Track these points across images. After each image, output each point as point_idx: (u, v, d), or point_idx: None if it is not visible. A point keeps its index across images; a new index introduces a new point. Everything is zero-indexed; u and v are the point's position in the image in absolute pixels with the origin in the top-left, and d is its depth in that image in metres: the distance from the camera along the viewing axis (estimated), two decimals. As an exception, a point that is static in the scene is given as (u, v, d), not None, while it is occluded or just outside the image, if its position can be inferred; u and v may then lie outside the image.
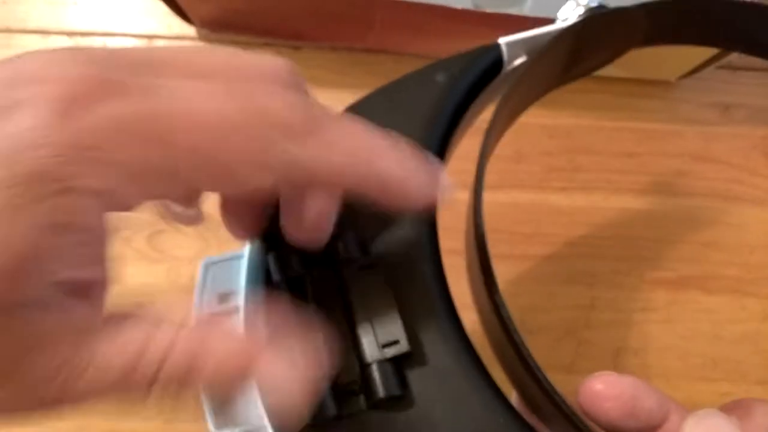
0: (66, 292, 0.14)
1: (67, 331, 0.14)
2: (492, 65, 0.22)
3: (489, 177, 0.38)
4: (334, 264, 0.19)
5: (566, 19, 0.23)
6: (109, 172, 0.13)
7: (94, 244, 0.14)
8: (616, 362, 0.35)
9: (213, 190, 0.16)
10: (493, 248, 0.38)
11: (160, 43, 0.39)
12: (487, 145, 0.20)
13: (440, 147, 0.21)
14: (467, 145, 0.38)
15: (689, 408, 0.22)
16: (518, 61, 0.23)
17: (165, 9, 0.37)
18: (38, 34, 0.39)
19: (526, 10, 0.36)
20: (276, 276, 0.18)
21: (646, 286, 0.36)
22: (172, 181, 0.14)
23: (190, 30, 0.39)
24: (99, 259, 0.15)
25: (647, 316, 0.36)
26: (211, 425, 0.18)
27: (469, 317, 0.20)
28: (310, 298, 0.18)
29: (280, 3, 0.35)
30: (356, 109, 0.22)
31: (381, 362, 0.17)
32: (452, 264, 0.20)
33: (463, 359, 0.18)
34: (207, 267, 0.20)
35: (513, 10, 0.33)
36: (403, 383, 0.17)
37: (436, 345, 0.18)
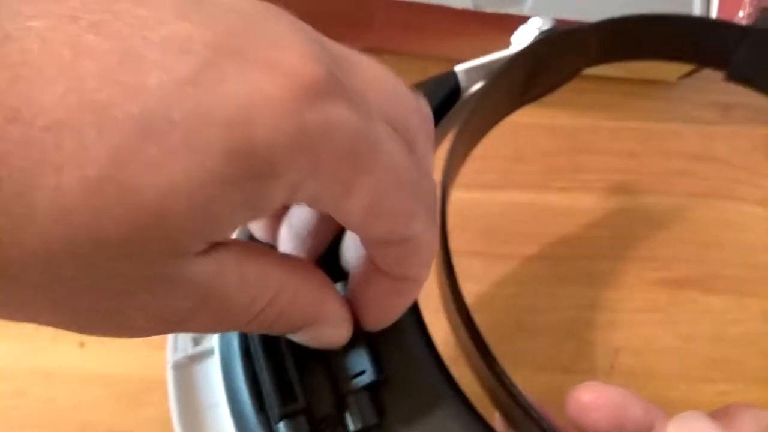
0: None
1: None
2: (450, 92, 0.23)
3: (488, 177, 0.39)
4: None
5: (520, 43, 0.24)
6: (309, 174, 0.13)
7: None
8: (615, 362, 0.35)
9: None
10: (492, 249, 0.38)
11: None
12: (449, 170, 0.20)
13: None
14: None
15: (688, 408, 0.22)
16: (476, 87, 0.24)
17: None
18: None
19: (526, 10, 0.36)
20: None
21: (646, 286, 0.36)
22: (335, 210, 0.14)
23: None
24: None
25: (647, 316, 0.36)
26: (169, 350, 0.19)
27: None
28: (262, 343, 0.18)
29: (279, 3, 0.35)
30: None
31: (356, 392, 0.17)
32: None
33: (439, 383, 0.18)
34: None
35: (513, 10, 0.33)
36: (380, 412, 0.17)
37: (411, 370, 0.18)
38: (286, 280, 0.15)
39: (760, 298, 0.36)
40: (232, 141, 0.12)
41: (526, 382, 0.35)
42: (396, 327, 0.18)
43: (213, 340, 0.19)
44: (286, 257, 0.17)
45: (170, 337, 0.20)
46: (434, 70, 0.39)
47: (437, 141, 0.24)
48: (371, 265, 0.17)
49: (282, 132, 0.12)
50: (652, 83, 0.40)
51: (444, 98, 0.23)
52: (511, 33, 0.35)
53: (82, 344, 0.33)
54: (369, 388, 0.17)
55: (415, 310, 0.19)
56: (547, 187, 0.37)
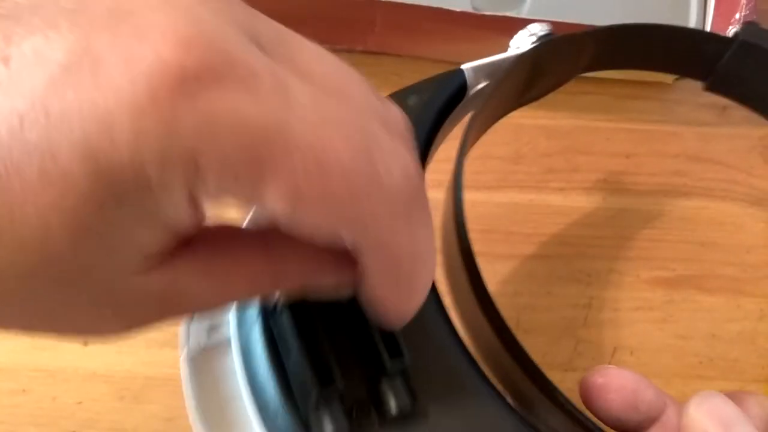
0: None
1: None
2: (458, 89, 0.24)
3: (487, 177, 0.39)
4: None
5: (518, 47, 0.25)
6: (201, 177, 0.11)
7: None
8: (613, 361, 0.36)
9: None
10: (491, 248, 0.38)
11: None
12: (460, 163, 0.21)
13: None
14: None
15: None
16: (480, 86, 0.25)
17: (167, 11, 0.37)
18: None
19: (525, 12, 0.36)
20: (268, 302, 0.18)
21: (643, 285, 0.36)
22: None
23: (191, 31, 0.39)
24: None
25: (644, 315, 0.36)
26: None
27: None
28: (316, 319, 0.17)
29: (280, 5, 0.35)
30: None
31: (390, 378, 0.17)
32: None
33: (465, 368, 0.18)
34: None
35: (511, 13, 0.33)
36: (413, 395, 0.17)
37: (439, 357, 0.18)
38: (252, 280, 0.14)
39: (756, 298, 0.36)
40: (93, 162, 0.10)
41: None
42: (421, 313, 0.17)
43: (230, 330, 0.19)
44: (253, 248, 0.15)
45: (182, 328, 0.19)
46: (434, 72, 0.40)
47: (445, 133, 0.24)
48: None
49: (147, 140, 0.11)
50: (650, 85, 0.40)
51: (452, 94, 0.24)
52: (510, 35, 0.35)
53: (85, 342, 0.33)
54: (400, 372, 0.17)
55: (437, 298, 0.19)
56: (545, 188, 0.38)
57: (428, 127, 0.23)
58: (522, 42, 0.25)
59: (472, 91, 0.25)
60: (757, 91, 0.29)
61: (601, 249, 0.37)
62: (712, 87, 0.30)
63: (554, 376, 0.36)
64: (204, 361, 0.19)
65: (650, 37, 0.26)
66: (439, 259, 0.19)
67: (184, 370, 0.19)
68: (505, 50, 0.26)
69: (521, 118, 0.38)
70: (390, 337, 0.17)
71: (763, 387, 0.34)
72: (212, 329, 0.19)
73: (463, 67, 0.24)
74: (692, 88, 0.40)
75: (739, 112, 0.40)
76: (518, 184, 0.38)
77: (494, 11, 0.33)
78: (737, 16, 0.34)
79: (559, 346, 0.36)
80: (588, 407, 0.20)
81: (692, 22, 0.38)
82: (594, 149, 0.38)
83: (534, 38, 0.25)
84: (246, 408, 0.17)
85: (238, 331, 0.18)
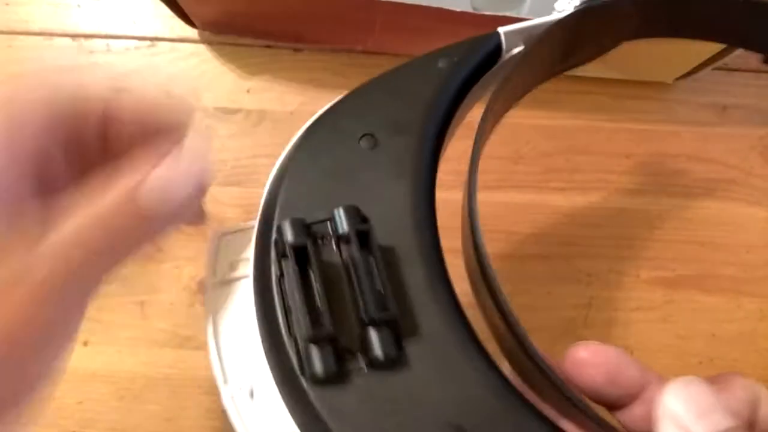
0: None
1: None
2: (491, 53, 0.23)
3: (488, 177, 0.39)
4: (334, 236, 0.20)
5: (562, 10, 0.24)
6: None
7: None
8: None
9: None
10: (492, 248, 0.38)
11: (163, 45, 0.39)
12: (482, 129, 0.21)
13: (441, 129, 0.22)
14: (464, 146, 0.38)
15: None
16: (516, 50, 0.24)
17: (167, 11, 0.37)
18: (41, 36, 0.39)
19: (524, 12, 0.36)
20: (282, 245, 0.19)
21: (643, 285, 0.36)
22: None
23: (192, 32, 0.39)
24: None
25: (644, 315, 0.36)
26: (219, 380, 0.20)
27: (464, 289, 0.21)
28: (313, 267, 0.19)
29: (282, 6, 0.35)
30: (360, 94, 0.22)
31: (378, 326, 0.18)
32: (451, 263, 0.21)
33: (456, 328, 0.19)
34: (219, 237, 0.21)
35: (511, 13, 0.33)
36: (399, 346, 0.18)
37: (430, 314, 0.19)
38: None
39: (756, 297, 0.36)
40: None
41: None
42: (420, 274, 0.19)
43: (249, 268, 0.20)
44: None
45: (208, 259, 0.21)
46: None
47: (475, 98, 0.24)
48: None
49: None
50: (649, 85, 0.40)
51: (486, 55, 0.23)
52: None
53: (85, 343, 0.33)
54: (388, 324, 0.18)
55: (440, 265, 0.20)
56: (546, 188, 0.38)
57: (455, 90, 0.22)
58: (565, 5, 0.24)
59: (506, 56, 0.24)
60: None
61: (601, 249, 0.37)
62: None
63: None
64: (224, 291, 0.21)
65: (703, 4, 0.25)
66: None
67: (208, 295, 0.21)
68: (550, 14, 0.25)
69: (521, 118, 0.38)
70: (379, 293, 0.18)
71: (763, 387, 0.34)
72: (234, 265, 0.21)
73: (500, 29, 0.23)
74: (692, 88, 0.40)
75: (739, 112, 0.40)
76: (518, 184, 0.38)
77: (494, 11, 0.33)
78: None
79: (559, 346, 0.35)
80: (570, 380, 0.20)
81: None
82: (594, 149, 0.38)
83: (577, 2, 0.24)
84: (254, 337, 0.19)
85: (255, 270, 0.20)
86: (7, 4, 0.40)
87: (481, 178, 0.38)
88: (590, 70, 0.39)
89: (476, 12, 0.33)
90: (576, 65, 0.27)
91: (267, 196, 0.21)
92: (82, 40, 0.39)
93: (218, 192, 0.37)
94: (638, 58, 0.37)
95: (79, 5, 0.40)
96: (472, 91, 0.23)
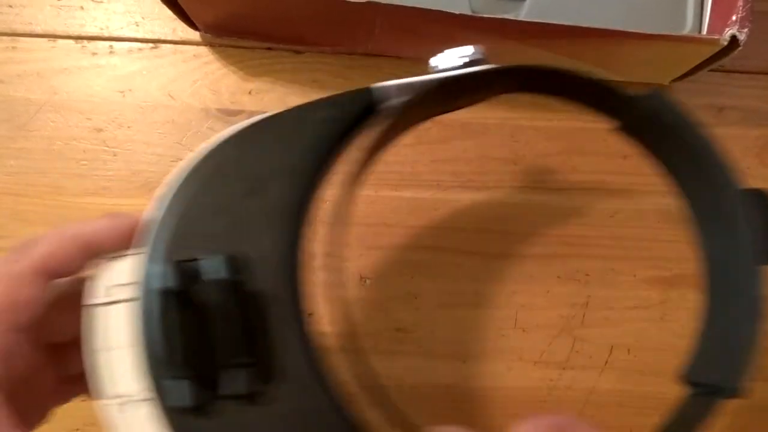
0: None
1: None
2: (366, 106, 0.25)
3: (486, 178, 0.39)
4: (210, 277, 0.21)
5: (438, 65, 0.25)
6: None
7: None
8: (610, 360, 0.36)
9: None
10: (489, 248, 0.38)
11: (166, 47, 0.40)
12: (354, 179, 0.23)
13: (317, 175, 0.24)
14: (467, 146, 0.39)
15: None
16: (389, 102, 0.25)
17: (170, 14, 0.38)
18: (45, 38, 0.40)
19: (523, 15, 0.37)
20: (167, 284, 0.21)
21: (640, 284, 0.37)
22: None
23: (194, 35, 0.40)
24: None
25: (641, 314, 0.36)
26: (95, 393, 0.23)
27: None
28: (186, 306, 0.21)
29: (283, 8, 0.35)
30: (247, 134, 0.24)
31: (234, 366, 0.20)
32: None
33: (311, 368, 0.21)
34: (98, 262, 0.24)
35: (510, 16, 0.34)
36: (255, 385, 0.21)
37: (289, 355, 0.21)
38: None
39: (752, 297, 0.37)
40: None
41: (522, 378, 0.36)
42: (283, 319, 0.21)
43: (123, 294, 0.23)
44: None
45: (87, 283, 0.23)
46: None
47: (353, 145, 0.25)
48: None
49: None
50: (646, 86, 0.40)
51: (362, 109, 0.25)
52: (507, 38, 0.35)
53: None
54: (244, 366, 0.21)
55: (300, 313, 0.22)
56: (543, 188, 0.38)
57: (330, 141, 0.24)
58: (445, 61, 0.25)
59: (383, 106, 0.25)
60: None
61: (598, 248, 0.37)
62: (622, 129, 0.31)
63: (551, 375, 0.37)
64: (101, 313, 0.23)
65: (559, 80, 0.27)
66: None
67: (84, 315, 0.23)
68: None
69: (520, 119, 0.39)
70: (241, 338, 0.21)
71: (761, 386, 0.35)
72: (108, 291, 0.23)
73: (372, 86, 0.25)
74: (689, 89, 0.40)
75: (736, 113, 0.40)
76: (516, 184, 0.38)
77: (492, 14, 0.34)
78: (734, 17, 0.34)
79: (556, 345, 0.36)
80: None
81: (689, 24, 0.38)
82: (591, 150, 0.39)
83: (462, 61, 0.25)
84: (125, 359, 0.22)
85: (130, 296, 0.22)
86: (10, 6, 0.40)
87: (480, 178, 0.39)
88: (588, 72, 0.39)
89: (475, 15, 0.34)
90: (453, 110, 0.29)
91: (150, 222, 0.23)
92: (86, 42, 0.40)
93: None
94: (635, 60, 0.37)
95: (82, 7, 0.40)
96: (351, 140, 0.25)
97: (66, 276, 0.23)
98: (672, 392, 0.35)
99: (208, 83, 0.39)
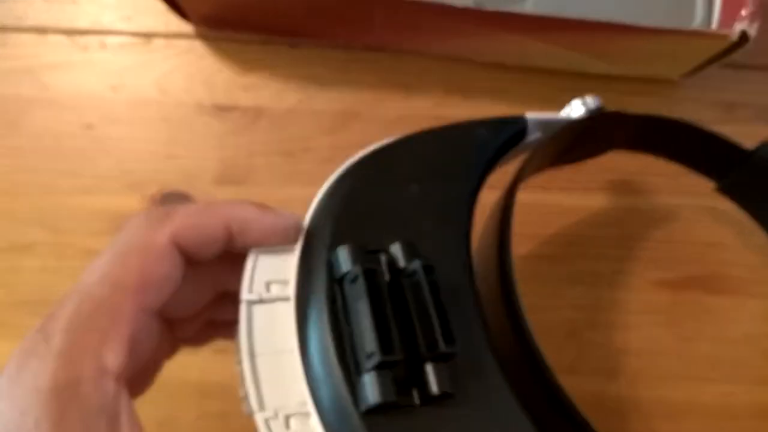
0: None
1: None
2: (518, 132, 0.28)
3: (491, 177, 0.38)
4: (388, 269, 0.20)
5: (571, 112, 0.30)
6: None
7: None
8: (617, 363, 0.35)
9: None
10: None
11: (158, 41, 0.39)
12: (508, 207, 0.25)
13: (478, 184, 0.25)
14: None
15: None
16: (533, 137, 0.28)
17: (163, 7, 0.37)
18: (35, 32, 0.39)
19: (528, 7, 0.36)
20: (340, 271, 0.20)
21: (648, 286, 0.36)
22: None
23: (187, 28, 0.39)
24: None
25: (649, 316, 0.36)
26: (253, 404, 0.19)
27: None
28: (383, 293, 0.19)
29: (280, 2, 0.35)
30: (409, 143, 0.25)
31: (435, 360, 0.18)
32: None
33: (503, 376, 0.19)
34: (256, 254, 0.21)
35: (514, 9, 0.33)
36: (455, 383, 0.18)
37: (480, 356, 0.20)
38: None
39: (762, 299, 0.36)
40: None
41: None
42: (466, 314, 0.20)
43: (289, 289, 0.20)
44: None
45: (246, 275, 0.21)
46: (435, 69, 0.39)
47: (501, 165, 0.28)
48: None
49: None
50: (656, 82, 0.39)
51: (514, 134, 0.27)
52: (512, 31, 0.34)
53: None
54: (446, 360, 0.19)
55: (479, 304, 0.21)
56: (550, 187, 0.37)
57: (490, 155, 0.26)
58: (575, 109, 0.30)
59: (528, 139, 0.28)
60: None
61: (605, 250, 0.36)
62: (722, 189, 0.34)
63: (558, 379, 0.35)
64: (260, 310, 0.20)
65: (679, 132, 0.30)
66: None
67: (242, 313, 0.20)
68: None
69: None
70: (446, 324, 0.18)
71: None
72: (269, 286, 0.21)
73: (527, 116, 0.28)
74: (699, 85, 0.39)
75: (747, 109, 0.40)
76: (523, 183, 0.37)
77: (496, 7, 0.33)
78: (743, 12, 0.34)
79: (563, 348, 0.35)
80: None
81: (698, 18, 0.37)
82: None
83: (585, 108, 0.30)
84: (294, 361, 0.19)
85: (299, 291, 0.20)
86: (1, 0, 0.39)
87: (486, 178, 0.38)
88: (595, 67, 0.38)
89: (478, 8, 0.33)
90: (567, 163, 0.33)
91: (314, 220, 0.22)
92: (77, 36, 0.39)
93: (213, 191, 0.36)
94: (642, 55, 0.37)
95: (73, 1, 0.39)
96: (502, 159, 0.27)
97: (200, 259, 0.21)
98: (682, 396, 0.35)
99: (202, 78, 0.38)
